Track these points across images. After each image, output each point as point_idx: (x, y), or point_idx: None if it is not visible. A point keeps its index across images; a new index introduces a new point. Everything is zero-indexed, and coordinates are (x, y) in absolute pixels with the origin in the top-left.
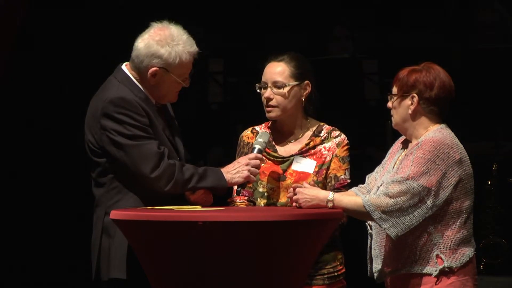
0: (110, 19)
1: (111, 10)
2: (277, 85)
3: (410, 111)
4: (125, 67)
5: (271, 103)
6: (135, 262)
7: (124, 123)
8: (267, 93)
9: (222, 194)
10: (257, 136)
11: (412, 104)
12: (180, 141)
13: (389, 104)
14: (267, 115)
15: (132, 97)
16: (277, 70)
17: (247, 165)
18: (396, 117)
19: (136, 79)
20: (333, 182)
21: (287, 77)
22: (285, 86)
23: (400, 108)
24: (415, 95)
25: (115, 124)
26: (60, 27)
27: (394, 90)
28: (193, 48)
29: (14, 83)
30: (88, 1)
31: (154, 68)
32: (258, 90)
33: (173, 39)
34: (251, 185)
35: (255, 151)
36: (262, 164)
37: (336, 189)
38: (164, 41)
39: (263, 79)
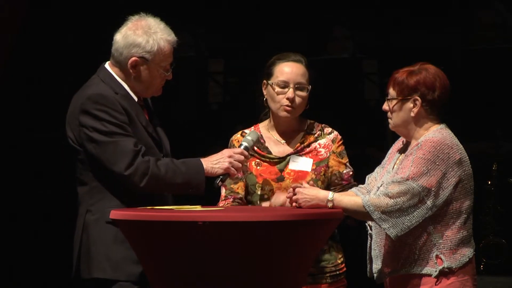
0: (110, 19)
1: (111, 10)
2: (300, 87)
3: (413, 114)
4: (107, 65)
5: (293, 104)
6: (116, 260)
7: (101, 119)
8: (290, 93)
9: (199, 182)
10: (246, 134)
11: (414, 107)
12: (165, 137)
13: (386, 107)
14: (284, 114)
15: (110, 94)
16: (301, 72)
17: (229, 157)
18: (397, 120)
19: (119, 76)
20: (339, 179)
21: (307, 80)
22: (307, 89)
23: (401, 112)
24: (418, 98)
25: (93, 120)
26: (60, 27)
27: (392, 93)
28: (171, 36)
29: (14, 83)
30: (88, 2)
31: (134, 58)
32: (278, 88)
33: (150, 27)
34: (239, 185)
35: (242, 147)
36: (246, 164)
37: (346, 185)
38: (141, 30)
39: (283, 78)
